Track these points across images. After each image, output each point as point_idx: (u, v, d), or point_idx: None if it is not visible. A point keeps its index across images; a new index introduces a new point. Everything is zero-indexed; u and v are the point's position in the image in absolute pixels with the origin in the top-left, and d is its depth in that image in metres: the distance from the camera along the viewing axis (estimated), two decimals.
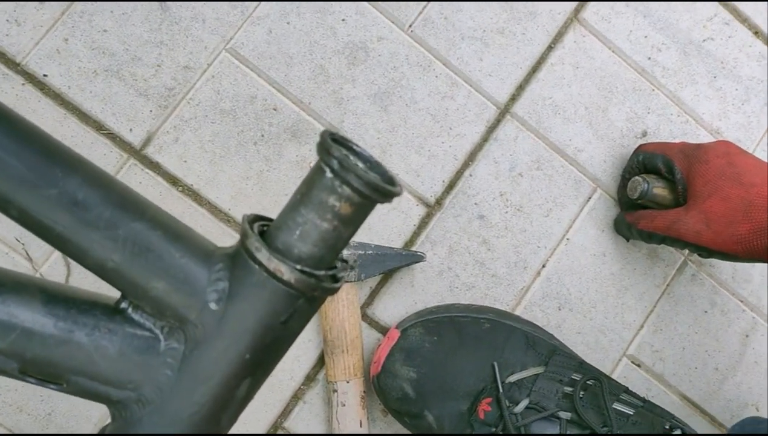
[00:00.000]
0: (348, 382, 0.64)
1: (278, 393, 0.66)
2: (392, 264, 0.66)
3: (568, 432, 0.60)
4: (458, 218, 0.70)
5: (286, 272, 0.31)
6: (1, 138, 0.31)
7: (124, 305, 0.34)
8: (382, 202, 0.32)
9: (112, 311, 0.34)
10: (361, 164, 0.35)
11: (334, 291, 0.33)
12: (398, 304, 0.69)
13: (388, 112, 0.68)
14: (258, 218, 0.35)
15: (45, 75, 0.62)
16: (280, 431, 0.66)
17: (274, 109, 0.66)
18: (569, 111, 0.73)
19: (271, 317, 0.32)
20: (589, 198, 0.73)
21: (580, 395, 0.63)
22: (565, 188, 0.72)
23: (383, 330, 0.68)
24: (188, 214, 0.64)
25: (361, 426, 0.65)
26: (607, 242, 0.74)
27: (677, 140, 0.75)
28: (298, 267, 0.32)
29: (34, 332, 0.33)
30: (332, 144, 0.32)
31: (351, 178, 0.31)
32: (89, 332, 0.33)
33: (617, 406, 0.63)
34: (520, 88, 0.72)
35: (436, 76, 0.69)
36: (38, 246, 0.62)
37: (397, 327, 0.65)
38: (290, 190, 0.66)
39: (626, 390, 0.65)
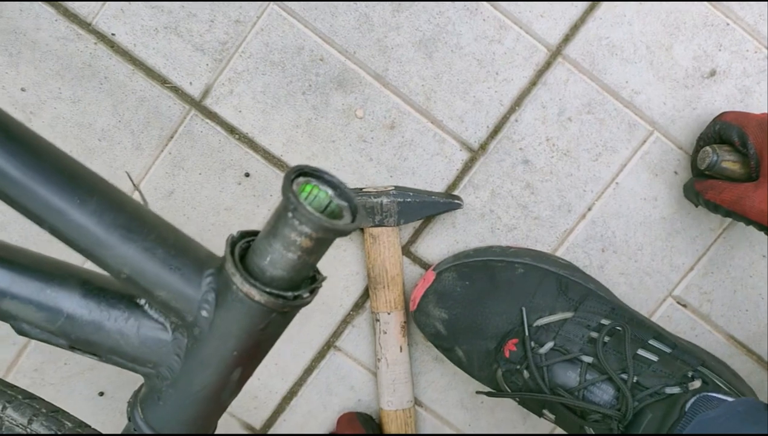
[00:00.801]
0: (389, 314, 0.71)
1: (329, 317, 0.74)
2: (430, 211, 0.69)
3: (587, 376, 0.64)
4: (502, 163, 0.71)
5: (257, 295, 0.37)
6: (31, 172, 0.38)
7: (141, 301, 0.41)
8: (342, 236, 0.36)
9: (134, 305, 0.42)
10: (329, 191, 0.38)
11: (305, 304, 0.39)
12: (440, 243, 0.73)
13: (432, 58, 0.69)
14: (245, 234, 0.40)
15: (113, 34, 0.68)
16: (332, 349, 0.75)
17: (321, 60, 0.68)
18: (628, 51, 0.69)
19: (251, 326, 0.38)
20: (644, 142, 0.71)
21: (605, 341, 0.65)
22: (617, 132, 0.71)
23: (425, 266, 0.73)
24: (245, 160, 0.70)
25: (401, 351, 0.72)
26: (660, 186, 0.72)
27: (750, 79, 0.69)
28: (268, 290, 0.37)
29: (75, 319, 0.42)
30: (289, 191, 0.36)
31: (306, 222, 0.35)
32: (115, 322, 0.41)
33: (642, 352, 0.66)
34: (575, 28, 0.69)
35: (484, 20, 0.68)
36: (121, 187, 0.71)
37: (434, 269, 0.70)
38: (337, 138, 0.70)
39: (657, 336, 0.67)
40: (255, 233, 0.40)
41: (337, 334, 0.75)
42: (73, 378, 0.75)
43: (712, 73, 0.69)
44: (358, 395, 0.76)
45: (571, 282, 0.69)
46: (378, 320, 0.72)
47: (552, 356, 0.66)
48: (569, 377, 0.65)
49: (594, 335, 0.66)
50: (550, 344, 0.66)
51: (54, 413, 0.50)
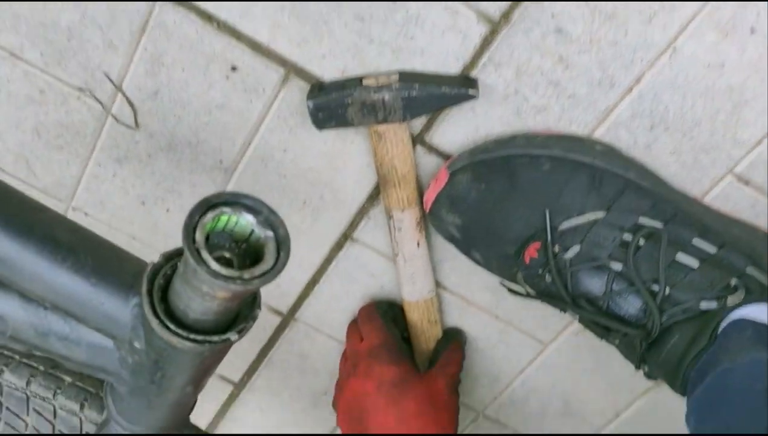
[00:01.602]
0: (402, 211, 0.66)
1: (343, 211, 0.70)
2: (439, 104, 0.60)
3: (613, 285, 0.59)
4: (529, 34, 0.59)
5: (178, 343, 0.33)
6: None
7: None
8: (266, 284, 0.31)
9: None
10: (250, 218, 0.32)
11: (235, 341, 0.34)
12: (458, 130, 0.64)
13: None
14: (170, 256, 0.35)
15: None
16: (349, 241, 0.72)
17: None
18: None
19: (184, 363, 0.35)
20: None
21: (639, 244, 0.58)
22: None
23: (443, 155, 0.65)
24: (229, 52, 0.61)
25: (418, 246, 0.68)
26: (730, 48, 0.58)
27: None
28: (191, 337, 0.33)
29: (18, 327, 0.40)
30: (191, 244, 0.29)
31: (215, 284, 0.30)
32: (60, 330, 0.39)
33: (681, 257, 0.58)
34: None
35: None
36: (103, 91, 0.65)
37: (447, 167, 0.62)
38: (329, 18, 0.59)
39: (703, 232, 0.59)
40: (179, 253, 0.35)
41: (352, 226, 0.71)
42: None
43: None
44: (379, 282, 0.74)
45: (606, 174, 0.60)
46: (391, 218, 0.67)
47: (577, 262, 0.60)
48: (594, 285, 0.60)
49: (627, 238, 0.59)
50: (575, 249, 0.60)
51: (53, 369, 0.51)
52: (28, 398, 0.51)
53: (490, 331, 0.76)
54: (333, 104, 0.60)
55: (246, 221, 0.32)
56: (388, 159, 0.63)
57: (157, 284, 0.34)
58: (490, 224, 0.61)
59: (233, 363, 0.82)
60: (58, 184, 0.72)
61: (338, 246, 0.72)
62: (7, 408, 0.51)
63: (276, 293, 0.76)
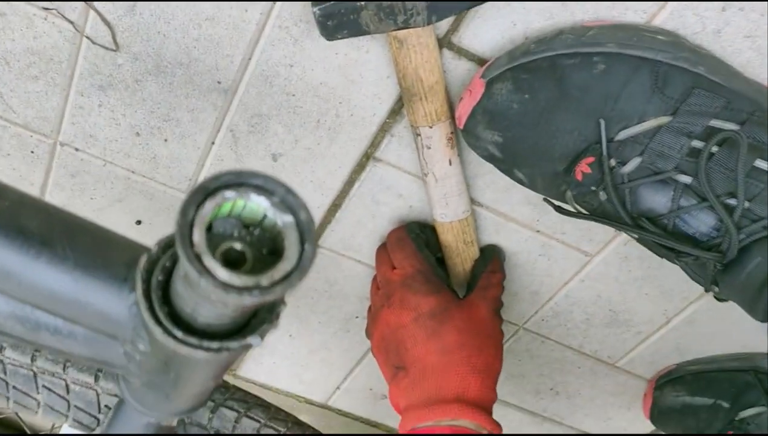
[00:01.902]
0: (431, 127, 0.58)
1: (363, 129, 0.62)
2: (469, 4, 0.50)
3: (681, 201, 0.51)
4: None
5: (189, 353, 0.27)
6: None
7: None
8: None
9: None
10: (263, 201, 0.24)
11: (258, 345, 0.28)
12: (492, 28, 0.54)
13: None
14: (166, 246, 0.28)
15: None
16: (372, 161, 0.64)
17: None
18: None
19: (195, 368, 0.29)
20: None
21: (712, 151, 0.50)
22: None
23: (476, 59, 0.56)
24: None
25: (450, 164, 0.60)
26: None
27: None
28: (205, 345, 0.27)
29: (5, 326, 0.34)
30: (188, 248, 0.22)
31: (225, 297, 0.23)
32: (54, 333, 0.33)
33: (762, 164, 0.50)
34: None
35: None
36: (72, 8, 0.55)
37: (482, 76, 0.53)
38: None
39: None
40: (170, 243, 0.28)
41: (374, 145, 0.63)
42: (105, 211, 0.71)
43: None
44: (407, 203, 0.67)
45: (671, 70, 0.51)
46: (419, 135, 0.58)
47: (637, 176, 0.52)
48: (657, 202, 0.52)
49: (697, 145, 0.51)
50: (636, 161, 0.52)
51: None
52: (35, 375, 0.46)
53: (531, 245, 0.70)
54: (343, 9, 0.50)
55: (256, 205, 0.25)
56: (411, 69, 0.54)
57: (155, 280, 0.27)
58: (536, 140, 0.53)
59: None
60: (40, 118, 0.64)
61: (360, 167, 0.65)
62: (14, 387, 0.47)
63: None
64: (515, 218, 0.68)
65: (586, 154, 0.53)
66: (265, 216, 0.25)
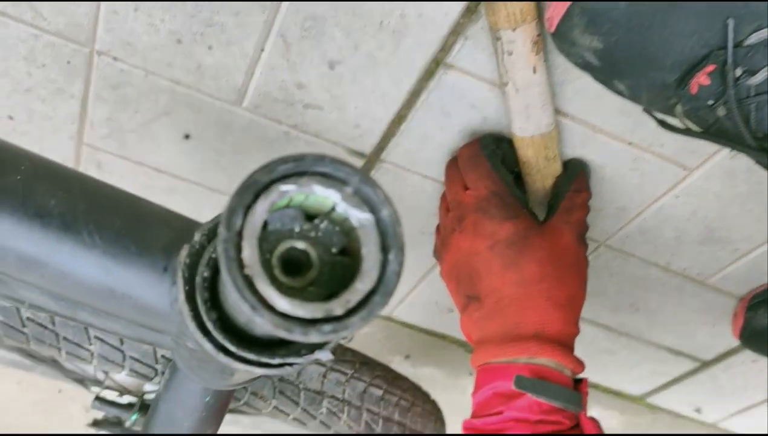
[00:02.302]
0: (513, 30, 0.49)
1: (431, 31, 0.53)
2: None
3: None
4: None
5: (246, 369, 0.22)
6: None
7: None
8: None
9: None
10: (333, 195, 0.18)
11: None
12: None
13: None
14: (209, 233, 0.22)
15: None
16: (442, 68, 0.56)
17: None
18: None
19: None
20: None
21: None
22: None
23: None
24: None
25: (534, 72, 0.52)
26: None
27: None
28: (264, 361, 0.22)
29: (40, 303, 0.29)
30: (234, 269, 0.16)
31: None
32: (92, 313, 0.28)
33: None
34: None
35: None
36: None
37: None
38: None
39: None
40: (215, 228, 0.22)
41: (445, 49, 0.55)
42: (152, 124, 0.65)
43: None
44: (481, 114, 0.59)
45: None
46: (499, 39, 0.50)
47: (766, 90, 0.43)
48: None
49: None
50: (766, 72, 0.43)
51: None
52: (86, 327, 0.43)
53: (622, 159, 0.62)
54: None
55: (323, 198, 0.19)
56: None
57: (199, 277, 0.22)
58: (644, 45, 0.44)
59: None
60: (73, 24, 0.58)
61: (428, 74, 0.57)
62: (65, 338, 0.44)
63: (354, 134, 0.63)
64: (605, 129, 0.59)
65: (706, 62, 0.44)
66: (333, 207, 0.19)
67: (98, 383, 0.60)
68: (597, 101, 0.57)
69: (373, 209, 0.19)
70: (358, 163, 0.66)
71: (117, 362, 0.45)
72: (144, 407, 0.52)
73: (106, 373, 0.53)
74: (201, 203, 0.73)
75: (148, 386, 0.56)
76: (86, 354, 0.44)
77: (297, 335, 0.17)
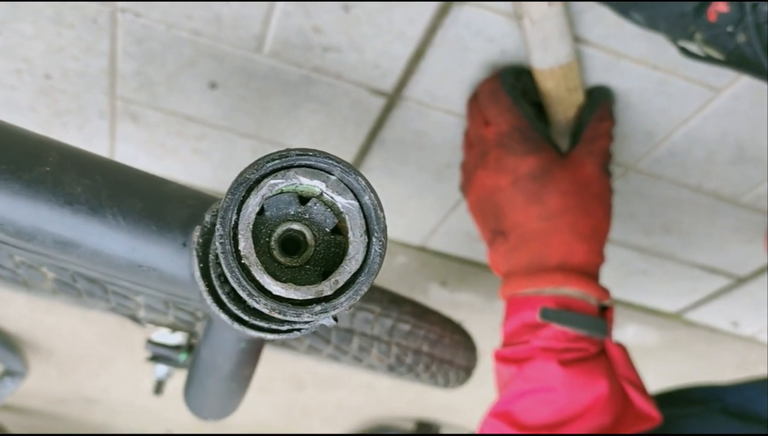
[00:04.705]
0: None
1: None
2: None
3: None
4: None
5: (258, 335, 0.24)
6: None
7: None
8: None
9: None
10: (318, 185, 0.20)
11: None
12: None
13: None
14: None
15: None
16: (456, 2, 0.55)
17: None
18: None
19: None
20: None
21: None
22: None
23: None
24: None
25: (550, 6, 0.51)
26: None
27: None
28: (285, 328, 0.24)
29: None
30: (231, 262, 0.18)
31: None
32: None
33: None
34: None
35: None
36: None
37: None
38: None
39: None
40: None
41: None
42: (178, 75, 0.67)
43: None
44: (499, 47, 0.59)
45: None
46: None
47: None
48: None
49: None
50: None
51: None
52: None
53: (646, 83, 0.61)
54: None
55: (310, 187, 0.20)
56: None
57: (212, 255, 0.24)
58: None
59: (340, 148, 0.74)
60: None
61: (443, 11, 0.56)
62: (114, 292, 0.47)
63: (375, 74, 0.63)
64: (628, 54, 0.58)
65: None
66: (321, 193, 0.21)
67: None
68: (618, 27, 0.56)
69: (356, 196, 0.20)
70: (381, 102, 0.67)
71: (162, 309, 0.49)
72: (191, 347, 0.56)
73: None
74: (231, 148, 0.75)
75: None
76: (133, 305, 0.48)
77: (290, 317, 0.19)
